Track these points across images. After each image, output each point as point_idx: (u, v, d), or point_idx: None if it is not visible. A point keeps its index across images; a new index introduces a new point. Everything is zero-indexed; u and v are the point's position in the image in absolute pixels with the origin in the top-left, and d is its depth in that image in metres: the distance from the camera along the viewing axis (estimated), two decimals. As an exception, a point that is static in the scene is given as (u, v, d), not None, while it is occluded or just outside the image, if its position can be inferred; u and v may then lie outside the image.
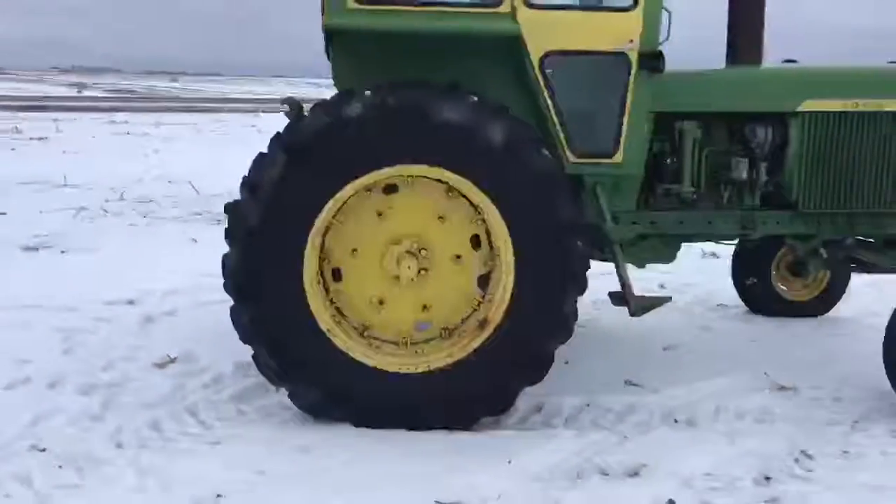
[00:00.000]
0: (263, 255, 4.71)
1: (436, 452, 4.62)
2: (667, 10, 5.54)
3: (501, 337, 4.87)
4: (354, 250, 5.03)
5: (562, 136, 5.30)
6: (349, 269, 5.05)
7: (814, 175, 5.70)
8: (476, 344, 4.91)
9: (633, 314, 5.35)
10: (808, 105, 5.64)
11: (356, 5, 5.02)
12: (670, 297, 5.61)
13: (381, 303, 5.08)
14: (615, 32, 5.18)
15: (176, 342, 6.18)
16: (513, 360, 4.86)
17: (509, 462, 4.51)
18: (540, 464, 4.52)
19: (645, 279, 7.63)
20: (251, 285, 4.73)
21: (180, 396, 5.29)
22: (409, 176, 4.89)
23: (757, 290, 7.40)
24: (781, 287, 7.44)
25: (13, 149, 19.86)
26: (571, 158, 5.34)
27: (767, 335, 6.89)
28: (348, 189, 4.74)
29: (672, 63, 5.63)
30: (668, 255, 6.10)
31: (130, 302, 7.24)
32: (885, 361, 5.31)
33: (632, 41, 5.17)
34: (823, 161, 5.68)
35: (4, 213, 11.34)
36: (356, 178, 4.71)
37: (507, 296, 4.87)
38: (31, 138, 22.33)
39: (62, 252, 9.18)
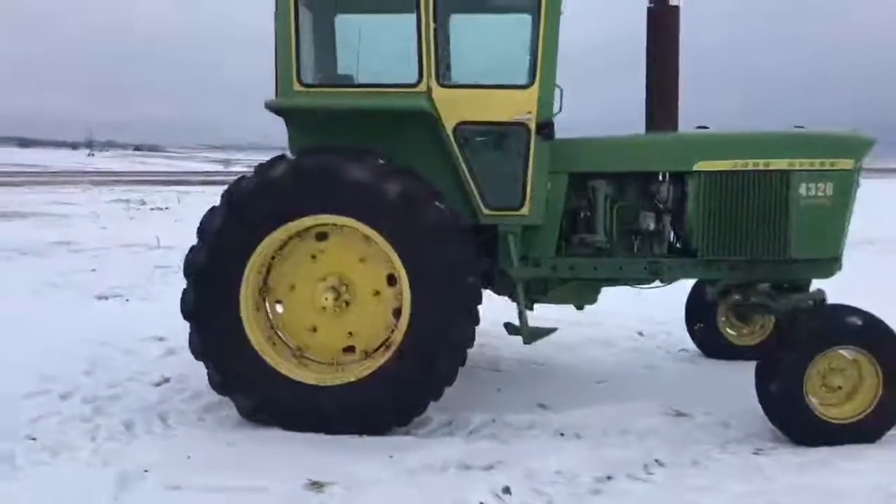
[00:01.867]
0: (208, 289, 5.89)
1: (329, 445, 5.68)
2: (559, 87, 6.62)
3: (400, 358, 5.84)
4: (293, 286, 6.16)
5: (476, 193, 6.30)
6: (288, 302, 6.18)
7: (710, 226, 6.45)
8: (380, 363, 5.90)
9: (525, 342, 6.28)
10: (702, 165, 6.44)
11: (301, 88, 6.23)
12: (556, 328, 6.49)
13: (314, 329, 6.17)
14: (515, 106, 6.17)
15: (180, 367, 7.38)
16: (409, 378, 5.81)
17: (391, 457, 5.48)
18: (417, 460, 5.44)
19: (627, 327, 8.63)
20: (199, 313, 5.92)
21: (159, 407, 6.47)
22: (332, 224, 5.99)
23: (705, 334, 8.09)
24: (729, 332, 8.11)
25: (132, 217, 22.10)
26: (485, 211, 6.33)
27: (702, 375, 7.56)
28: (277, 234, 5.86)
29: (599, 127, 6.64)
30: (588, 298, 6.96)
31: (160, 338, 8.51)
32: (758, 395, 5.95)
33: (529, 113, 6.16)
34: (718, 214, 6.43)
35: (94, 270, 13.11)
36: (280, 225, 5.84)
37: (405, 323, 5.85)
38: (151, 209, 24.67)
39: (126, 300, 10.71)
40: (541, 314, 7.04)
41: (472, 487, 5.04)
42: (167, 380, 7.11)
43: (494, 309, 6.98)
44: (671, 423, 6.30)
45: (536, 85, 6.15)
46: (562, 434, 6.05)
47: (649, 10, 6.94)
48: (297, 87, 6.23)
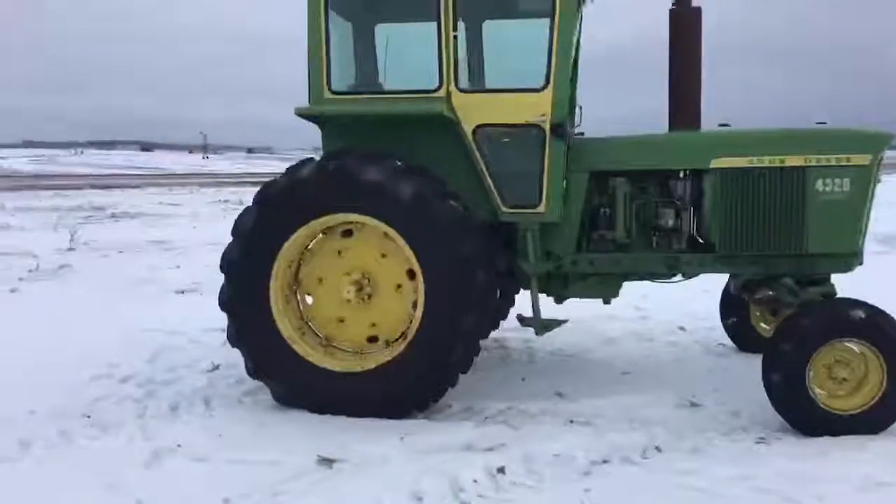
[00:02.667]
0: (241, 282, 6.42)
1: (350, 426, 6.13)
2: (579, 106, 6.96)
3: (414, 347, 6.24)
4: (321, 280, 6.64)
5: (495, 191, 6.66)
6: (317, 295, 6.67)
7: (727, 222, 6.61)
8: (398, 352, 6.32)
9: (537, 334, 6.61)
10: (718, 162, 6.63)
11: (331, 95, 6.71)
12: (566, 320, 6.79)
13: (341, 320, 6.64)
14: (531, 108, 6.50)
15: (233, 356, 7.93)
16: (423, 366, 6.21)
17: (402, 438, 5.89)
18: (426, 442, 5.83)
19: (671, 322, 8.88)
20: (233, 304, 6.46)
21: (205, 391, 7.06)
22: (355, 222, 6.44)
23: (739, 329, 8.22)
24: (762, 326, 8.21)
25: (225, 217, 23.12)
26: (504, 209, 6.68)
27: (729, 368, 7.70)
28: (303, 231, 6.34)
29: (628, 126, 6.92)
30: (609, 292, 7.21)
31: (223, 329, 9.12)
32: (764, 386, 6.12)
33: (544, 115, 6.47)
34: (735, 209, 6.59)
35: (178, 267, 13.99)
36: (306, 223, 6.32)
37: (420, 315, 6.25)
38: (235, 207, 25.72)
39: (201, 295, 11.43)
40: (587, 307, 7.51)
41: (469, 466, 5.40)
42: (217, 367, 7.70)
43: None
44: (683, 412, 6.52)
45: (550, 88, 6.46)
46: (571, 421, 6.34)
47: (671, 12, 7.13)
48: (327, 94, 6.71)
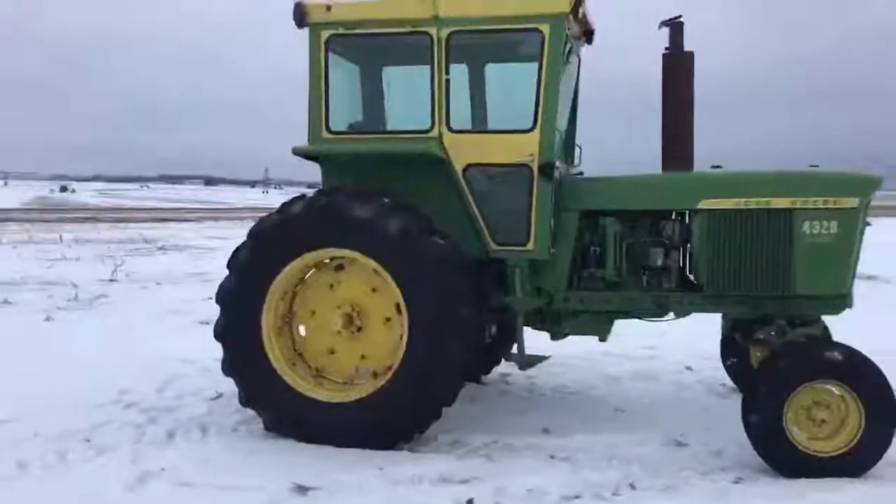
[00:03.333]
0: (235, 314, 6.66)
1: (333, 456, 6.31)
2: (578, 146, 7.10)
3: (398, 380, 6.39)
4: (313, 313, 6.85)
5: (485, 229, 6.82)
6: (309, 327, 6.88)
7: (715, 262, 6.67)
8: (382, 384, 6.48)
9: (521, 369, 6.73)
10: (706, 204, 6.71)
11: (329, 135, 6.97)
12: (549, 356, 6.90)
13: (332, 352, 6.83)
14: (519, 148, 6.67)
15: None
16: (406, 398, 6.34)
17: (380, 469, 6.03)
18: (403, 473, 5.98)
19: (679, 361, 9.04)
20: (227, 335, 6.70)
21: (204, 418, 7.28)
22: (346, 257, 6.65)
23: (738, 369, 8.21)
24: (760, 367, 8.17)
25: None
26: (493, 246, 6.84)
27: (724, 408, 7.66)
28: (294, 265, 6.57)
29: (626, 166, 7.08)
30: (601, 330, 7.30)
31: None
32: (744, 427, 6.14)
33: (531, 155, 6.63)
34: (722, 250, 6.65)
35: (210, 298, 14.28)
36: (297, 258, 6.55)
37: (404, 347, 6.40)
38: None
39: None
40: (598, 346, 7.70)
41: (438, 498, 5.54)
42: (220, 395, 7.94)
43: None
44: (666, 451, 6.56)
45: (538, 129, 6.62)
46: (552, 456, 6.42)
47: (664, 56, 7.28)
48: (325, 134, 6.97)
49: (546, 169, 6.62)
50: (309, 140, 7.02)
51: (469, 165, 6.77)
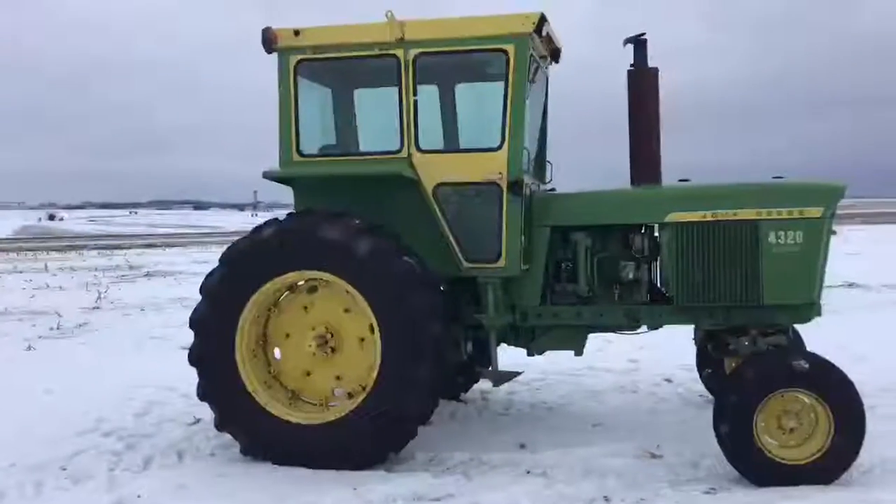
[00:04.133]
0: (209, 338, 6.69)
1: (307, 478, 6.33)
2: (549, 162, 7.23)
3: (371, 399, 6.42)
4: (288, 335, 6.88)
5: (456, 247, 6.87)
6: (284, 349, 6.91)
7: (684, 274, 6.73)
8: (356, 404, 6.50)
9: (494, 385, 6.78)
10: (673, 217, 6.77)
11: (300, 158, 7.02)
12: (521, 371, 6.96)
13: (307, 374, 6.86)
14: (487, 167, 6.73)
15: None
16: (379, 418, 6.36)
17: (355, 489, 6.05)
18: (377, 492, 6.00)
19: (659, 374, 9.19)
20: (201, 360, 6.72)
21: (181, 444, 7.28)
22: (319, 279, 6.69)
23: (714, 380, 8.25)
24: (737, 377, 8.22)
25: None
26: (465, 264, 6.88)
27: (701, 419, 7.62)
28: (266, 288, 6.60)
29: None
30: (575, 344, 7.35)
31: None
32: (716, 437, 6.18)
33: (500, 173, 6.69)
34: (691, 262, 6.71)
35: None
36: (268, 281, 6.58)
37: (376, 367, 6.44)
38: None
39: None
40: (580, 360, 7.72)
41: (409, 515, 5.57)
42: (198, 420, 7.95)
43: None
44: (641, 463, 6.59)
45: (506, 147, 6.69)
46: (528, 472, 6.45)
47: (629, 72, 7.38)
48: (295, 157, 7.02)
49: (514, 186, 6.68)
50: (280, 164, 7.07)
51: (439, 185, 6.82)
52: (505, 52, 6.70)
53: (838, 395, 5.94)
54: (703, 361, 8.38)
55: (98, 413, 8.22)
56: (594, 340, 7.65)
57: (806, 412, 6.03)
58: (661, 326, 7.18)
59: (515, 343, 7.40)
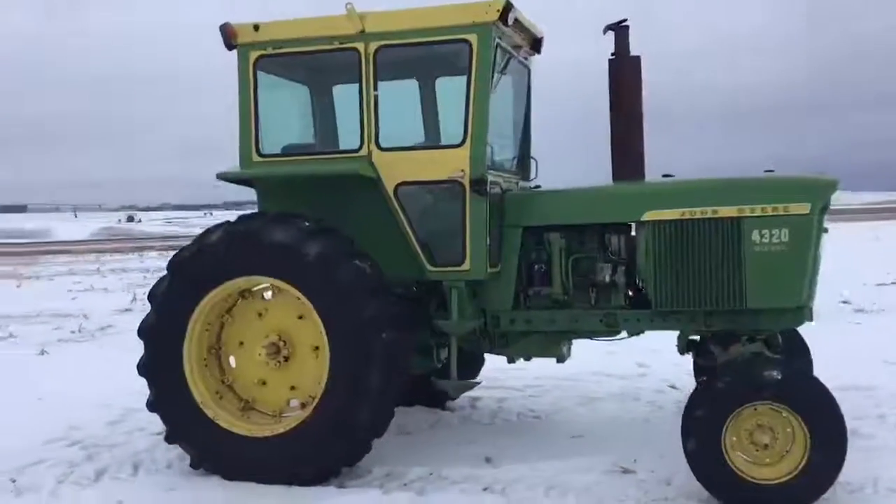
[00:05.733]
0: (157, 347, 6.44)
1: (254, 493, 6.09)
2: (533, 158, 7.27)
3: (319, 411, 6.10)
4: (242, 343, 6.59)
5: (419, 250, 6.50)
6: (238, 357, 6.62)
7: (662, 277, 6.26)
8: (305, 416, 6.18)
9: (452, 396, 6.39)
10: (650, 215, 6.30)
11: (259, 158, 6.74)
12: (479, 381, 6.57)
13: (263, 383, 6.56)
14: (449, 164, 6.35)
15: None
16: (328, 430, 6.03)
17: (308, 508, 5.73)
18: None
19: (666, 380, 8.96)
20: (150, 369, 6.47)
21: (140, 455, 7.03)
22: (270, 285, 6.39)
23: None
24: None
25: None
26: (429, 268, 6.51)
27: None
28: (214, 294, 6.31)
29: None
30: (551, 351, 6.92)
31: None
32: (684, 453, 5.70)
33: (462, 171, 6.31)
34: (669, 263, 6.24)
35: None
36: (216, 287, 6.30)
37: (325, 376, 6.10)
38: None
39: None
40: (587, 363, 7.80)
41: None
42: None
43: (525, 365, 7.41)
44: (609, 479, 6.16)
45: (468, 143, 6.30)
46: (485, 489, 6.07)
47: (610, 61, 6.92)
48: (255, 157, 6.75)
49: (477, 184, 6.29)
50: (240, 164, 6.80)
51: (400, 184, 6.47)
52: (467, 42, 6.32)
53: (814, 408, 5.41)
54: (698, 369, 7.84)
55: (72, 421, 8.02)
56: (604, 342, 7.25)
57: (782, 427, 5.50)
58: (641, 333, 6.71)
59: (490, 350, 7.00)
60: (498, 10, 6.25)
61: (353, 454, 6.19)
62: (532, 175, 7.60)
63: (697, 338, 6.77)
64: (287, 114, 7.35)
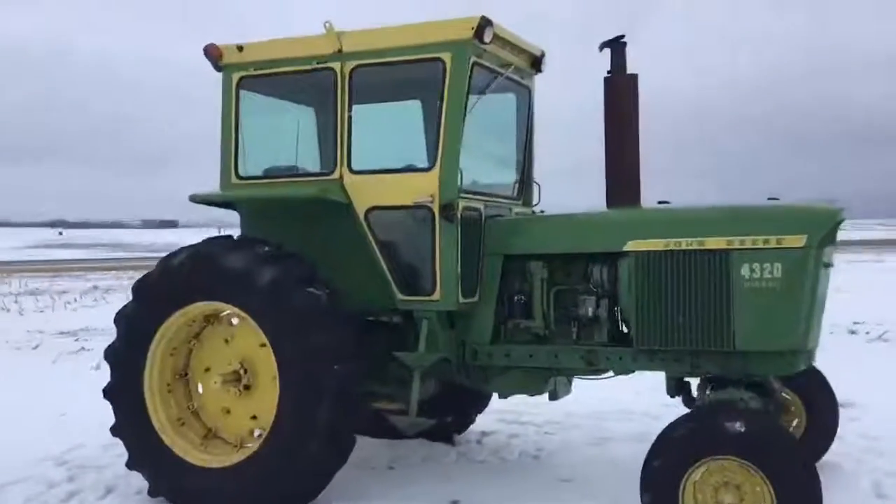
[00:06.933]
0: (119, 372, 6.33)
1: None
2: (537, 183, 6.93)
3: (267, 444, 5.84)
4: (207, 369, 6.42)
5: (390, 278, 6.20)
6: (205, 384, 6.44)
7: (645, 312, 5.77)
8: (254, 449, 5.93)
9: (407, 435, 6.02)
10: (633, 245, 5.82)
11: (238, 181, 6.61)
12: (433, 420, 6.17)
13: (227, 411, 6.37)
14: (419, 189, 6.05)
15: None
16: (275, 464, 5.76)
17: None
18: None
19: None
20: (114, 394, 6.37)
21: (118, 479, 6.90)
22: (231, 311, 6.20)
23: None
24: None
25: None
26: (400, 296, 6.20)
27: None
28: (174, 319, 6.16)
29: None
30: (534, 387, 6.49)
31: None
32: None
33: (431, 196, 5.98)
34: (652, 298, 5.74)
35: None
36: (175, 311, 6.14)
37: (275, 407, 5.83)
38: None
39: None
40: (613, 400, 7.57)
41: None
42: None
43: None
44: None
45: (437, 167, 5.98)
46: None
47: (606, 80, 6.49)
48: (234, 180, 6.62)
49: (446, 210, 5.95)
50: (220, 185, 6.68)
51: (371, 209, 6.21)
52: (441, 60, 6.00)
53: (778, 465, 4.80)
54: (690, 404, 7.20)
55: (77, 440, 8.04)
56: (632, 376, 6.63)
57: (750, 486, 4.91)
58: (628, 372, 6.19)
59: (470, 384, 6.62)
60: (472, 28, 5.92)
61: (306, 489, 5.91)
62: (535, 200, 7.20)
63: (691, 380, 6.22)
64: (269, 135, 7.18)
